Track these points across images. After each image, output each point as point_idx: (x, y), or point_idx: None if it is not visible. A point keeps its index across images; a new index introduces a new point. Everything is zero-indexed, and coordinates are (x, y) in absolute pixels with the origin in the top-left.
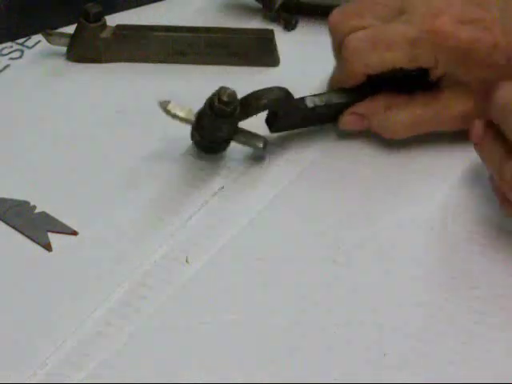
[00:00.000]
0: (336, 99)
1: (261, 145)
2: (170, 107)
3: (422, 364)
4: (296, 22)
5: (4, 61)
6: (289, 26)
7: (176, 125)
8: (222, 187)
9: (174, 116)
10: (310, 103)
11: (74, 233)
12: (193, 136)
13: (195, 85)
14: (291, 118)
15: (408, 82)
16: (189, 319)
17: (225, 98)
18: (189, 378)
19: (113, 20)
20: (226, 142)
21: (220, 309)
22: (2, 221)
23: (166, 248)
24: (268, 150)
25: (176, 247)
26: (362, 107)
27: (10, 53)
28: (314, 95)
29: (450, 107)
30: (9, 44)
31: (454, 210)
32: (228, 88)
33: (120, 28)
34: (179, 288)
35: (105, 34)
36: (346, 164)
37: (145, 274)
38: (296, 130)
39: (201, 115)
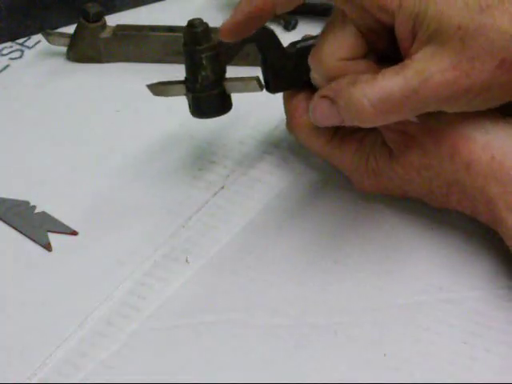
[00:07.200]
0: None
1: (256, 84)
2: (160, 89)
3: (422, 364)
4: (296, 22)
5: (4, 61)
6: (289, 26)
7: (176, 125)
8: (222, 187)
9: (167, 93)
10: (292, 44)
11: (74, 233)
12: (189, 105)
13: None
14: (282, 65)
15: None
16: (189, 319)
17: (192, 22)
18: (189, 377)
19: (113, 20)
20: (220, 94)
21: (220, 309)
22: (2, 221)
23: (166, 248)
24: (267, 150)
25: (176, 247)
26: (325, 88)
27: (10, 53)
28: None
29: (424, 70)
30: (9, 44)
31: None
32: None
33: (120, 28)
34: (179, 288)
35: (105, 34)
36: None
37: (145, 274)
38: None
39: (187, 74)
